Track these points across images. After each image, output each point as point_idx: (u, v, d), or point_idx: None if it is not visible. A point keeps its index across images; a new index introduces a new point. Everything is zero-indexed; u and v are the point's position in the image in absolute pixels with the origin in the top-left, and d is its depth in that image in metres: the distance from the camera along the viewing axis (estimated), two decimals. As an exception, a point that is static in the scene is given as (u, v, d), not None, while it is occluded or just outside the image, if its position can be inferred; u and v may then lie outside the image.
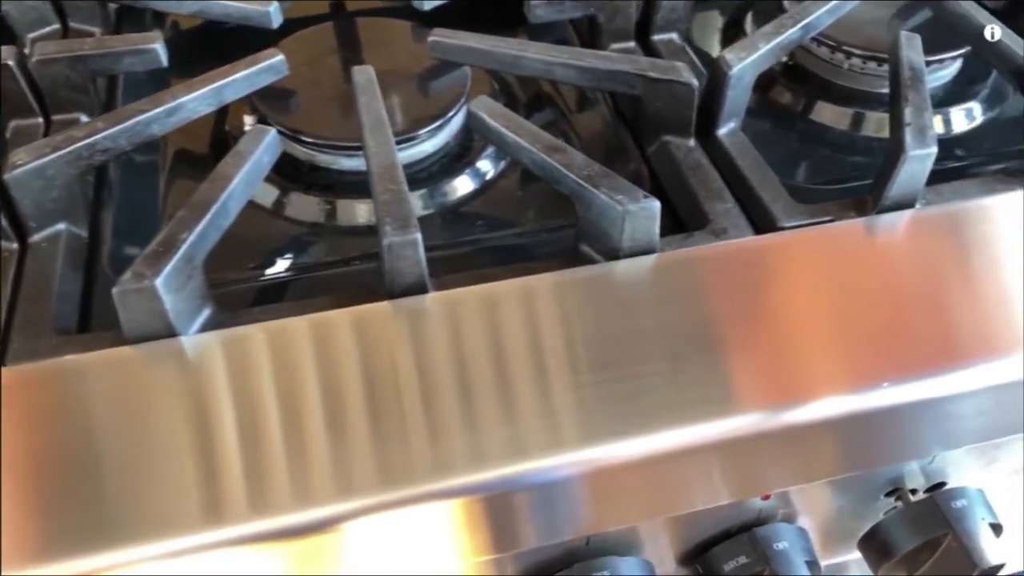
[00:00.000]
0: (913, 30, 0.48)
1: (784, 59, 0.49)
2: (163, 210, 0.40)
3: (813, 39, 0.47)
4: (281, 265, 0.40)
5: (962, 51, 0.46)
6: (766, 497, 0.40)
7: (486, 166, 0.43)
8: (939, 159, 0.46)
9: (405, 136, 0.41)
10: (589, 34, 0.46)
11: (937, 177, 0.41)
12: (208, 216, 0.31)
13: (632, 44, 0.45)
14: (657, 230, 0.33)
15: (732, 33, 0.53)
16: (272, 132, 0.35)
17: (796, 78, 0.48)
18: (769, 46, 0.39)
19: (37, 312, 0.33)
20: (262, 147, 0.34)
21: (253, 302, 0.38)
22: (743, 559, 0.40)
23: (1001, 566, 0.40)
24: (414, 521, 0.29)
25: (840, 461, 0.37)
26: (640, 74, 0.38)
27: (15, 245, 0.36)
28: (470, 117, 0.36)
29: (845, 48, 0.46)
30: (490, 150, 0.43)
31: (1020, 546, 0.56)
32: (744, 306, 0.32)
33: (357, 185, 0.40)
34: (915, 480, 0.44)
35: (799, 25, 0.40)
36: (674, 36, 0.45)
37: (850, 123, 0.47)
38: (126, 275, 0.29)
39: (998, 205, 0.37)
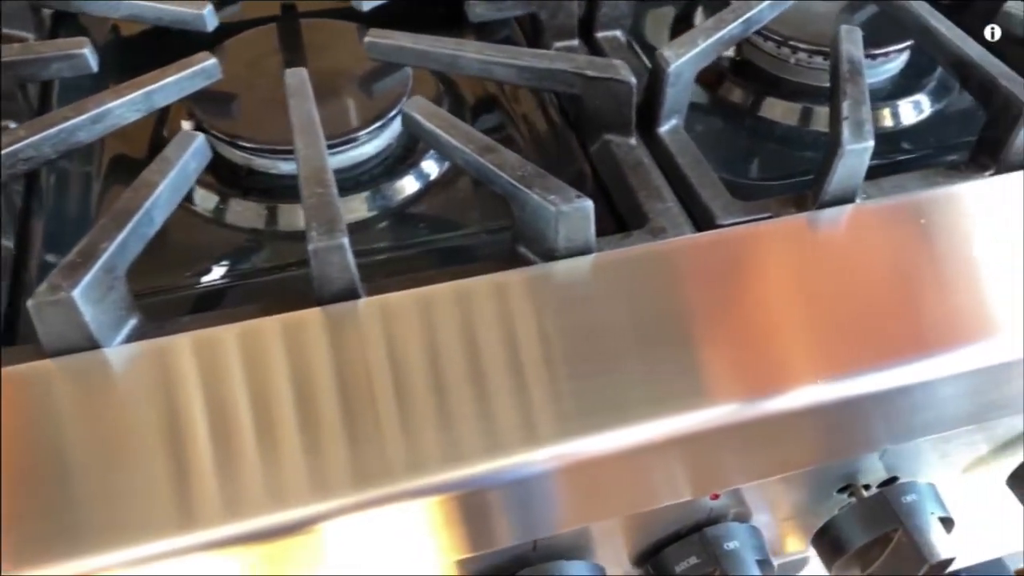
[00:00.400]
0: (861, 24, 0.49)
1: (732, 55, 0.49)
2: (96, 218, 0.40)
3: (759, 34, 0.47)
4: (219, 272, 0.39)
5: (908, 44, 0.46)
6: (715, 497, 0.40)
7: (430, 167, 0.42)
8: (888, 152, 0.47)
9: (344, 138, 0.40)
10: (532, 32, 0.45)
11: (886, 170, 0.41)
12: (130, 225, 0.31)
13: (576, 42, 0.44)
14: (592, 230, 0.33)
15: (682, 29, 0.52)
16: (200, 137, 0.34)
17: (745, 74, 0.48)
18: (709, 42, 0.39)
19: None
20: (189, 153, 0.33)
21: (192, 310, 0.37)
22: (693, 560, 0.40)
23: (951, 560, 0.40)
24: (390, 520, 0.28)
25: (801, 454, 0.37)
26: (578, 73, 0.37)
27: (-63, 257, 0.35)
28: (404, 118, 0.36)
29: (792, 43, 0.46)
30: (434, 151, 0.42)
31: (976, 539, 0.56)
32: (674, 306, 0.32)
33: (296, 189, 0.40)
34: (868, 475, 0.43)
35: (740, 20, 0.40)
36: (618, 33, 0.45)
37: (799, 118, 0.47)
38: (42, 287, 0.29)
39: (938, 199, 0.37)
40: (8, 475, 0.27)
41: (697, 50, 0.38)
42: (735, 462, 0.35)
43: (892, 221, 0.35)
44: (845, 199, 0.36)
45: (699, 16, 0.53)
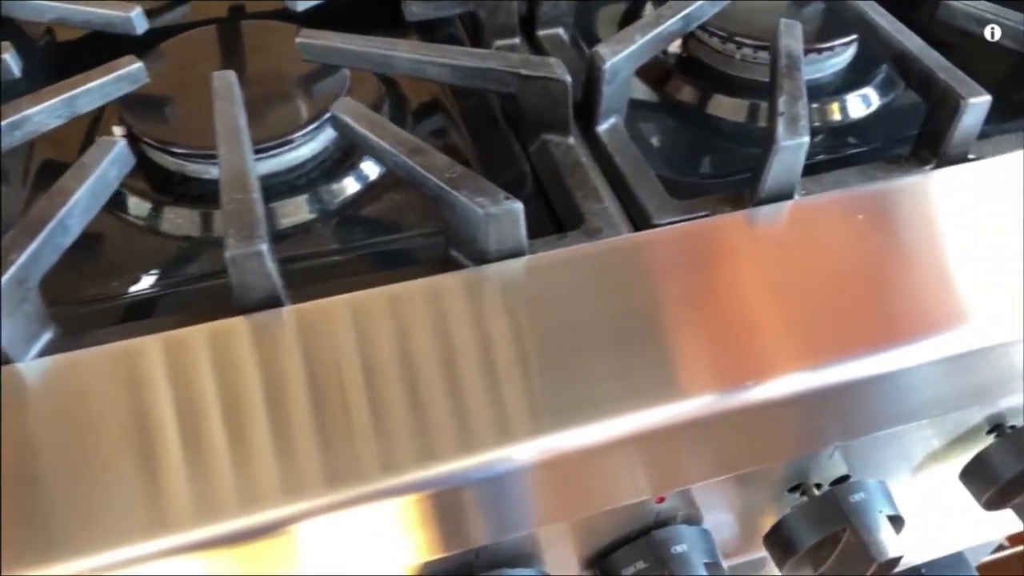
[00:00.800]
0: (810, 18, 0.48)
1: (679, 51, 0.48)
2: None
3: (705, 30, 0.46)
4: (152, 281, 0.38)
5: (853, 38, 0.46)
6: (660, 500, 0.39)
7: (370, 169, 0.42)
8: (837, 147, 0.46)
9: (278, 141, 0.39)
10: (473, 31, 0.44)
11: (836, 164, 0.41)
12: (43, 235, 0.30)
13: (517, 40, 0.44)
14: (523, 232, 0.32)
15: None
16: (120, 143, 0.33)
17: (691, 71, 0.48)
18: (646, 38, 0.38)
19: None
20: (108, 160, 0.33)
21: (124, 319, 0.37)
22: (641, 564, 0.39)
23: (900, 558, 0.39)
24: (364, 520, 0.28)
25: (764, 449, 0.36)
26: (512, 72, 0.37)
27: None
28: (333, 120, 0.35)
29: (737, 39, 0.46)
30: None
31: (936, 534, 0.56)
32: (604, 309, 0.31)
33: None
34: (820, 474, 0.43)
35: (679, 16, 0.40)
36: (560, 31, 0.44)
37: (746, 115, 0.46)
38: (-54, 300, 0.28)
39: (877, 194, 0.36)
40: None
41: (634, 47, 0.38)
42: (695, 460, 0.35)
43: (830, 217, 0.35)
44: (783, 196, 0.35)
45: (648, 12, 0.52)
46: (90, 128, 0.44)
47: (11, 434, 0.27)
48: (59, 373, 0.29)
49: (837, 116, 0.47)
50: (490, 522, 0.32)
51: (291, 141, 0.40)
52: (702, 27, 0.46)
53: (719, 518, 0.43)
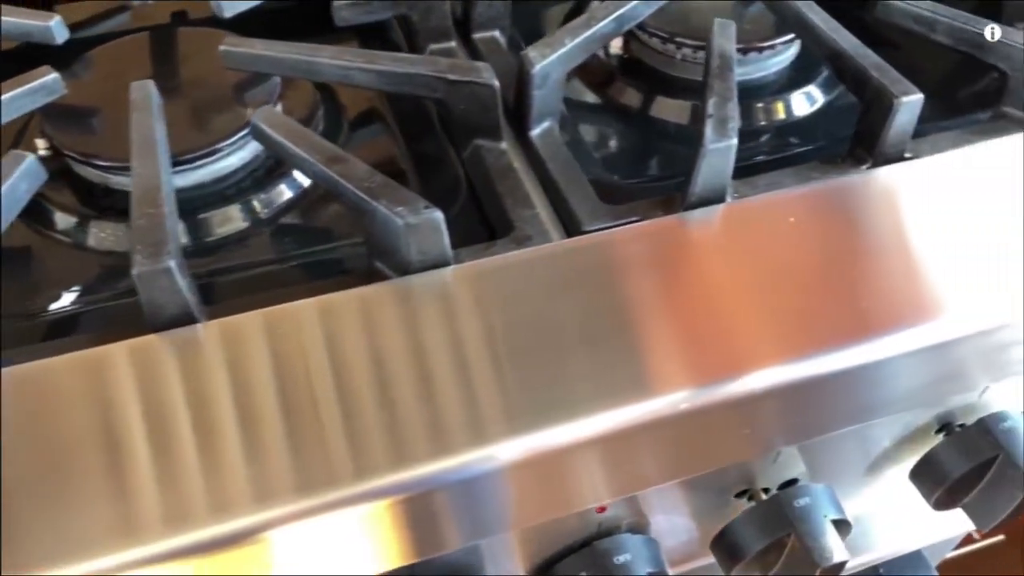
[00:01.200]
0: (753, 17, 0.48)
1: (620, 53, 0.48)
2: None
3: (645, 31, 0.46)
4: (76, 297, 0.37)
5: (793, 36, 0.45)
6: (601, 510, 0.38)
7: (303, 177, 0.41)
8: (782, 146, 0.46)
9: (204, 151, 0.38)
10: (408, 35, 0.43)
11: (781, 163, 0.40)
12: (-56, 253, 0.29)
13: (452, 44, 0.43)
14: (446, 241, 0.31)
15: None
16: (30, 158, 0.32)
17: (633, 73, 0.47)
18: (577, 41, 0.38)
19: None
20: (18, 174, 0.32)
21: (47, 336, 0.36)
22: (584, 575, 0.39)
23: (844, 563, 0.39)
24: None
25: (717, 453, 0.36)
26: (439, 76, 0.36)
27: None
28: (252, 129, 0.34)
29: (677, 39, 0.45)
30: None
31: (890, 536, 0.55)
32: (531, 319, 0.31)
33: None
34: (767, 478, 0.43)
35: (611, 17, 0.39)
36: (496, 34, 0.44)
37: (689, 116, 0.46)
38: None
39: (811, 195, 0.36)
40: None
41: (564, 50, 0.37)
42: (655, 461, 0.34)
43: (761, 220, 0.34)
44: (714, 199, 0.35)
45: (591, 13, 0.52)
46: (15, 141, 0.42)
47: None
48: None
49: (781, 115, 0.46)
50: (465, 525, 0.31)
51: (218, 151, 0.39)
52: (642, 28, 0.46)
53: (667, 525, 0.43)
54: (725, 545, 0.42)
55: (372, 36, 0.48)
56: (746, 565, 0.41)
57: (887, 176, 0.36)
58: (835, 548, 0.39)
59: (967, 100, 0.46)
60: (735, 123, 0.34)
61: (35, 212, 0.39)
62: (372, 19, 0.41)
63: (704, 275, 0.32)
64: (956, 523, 0.49)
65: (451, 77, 0.36)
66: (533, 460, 0.29)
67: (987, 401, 0.44)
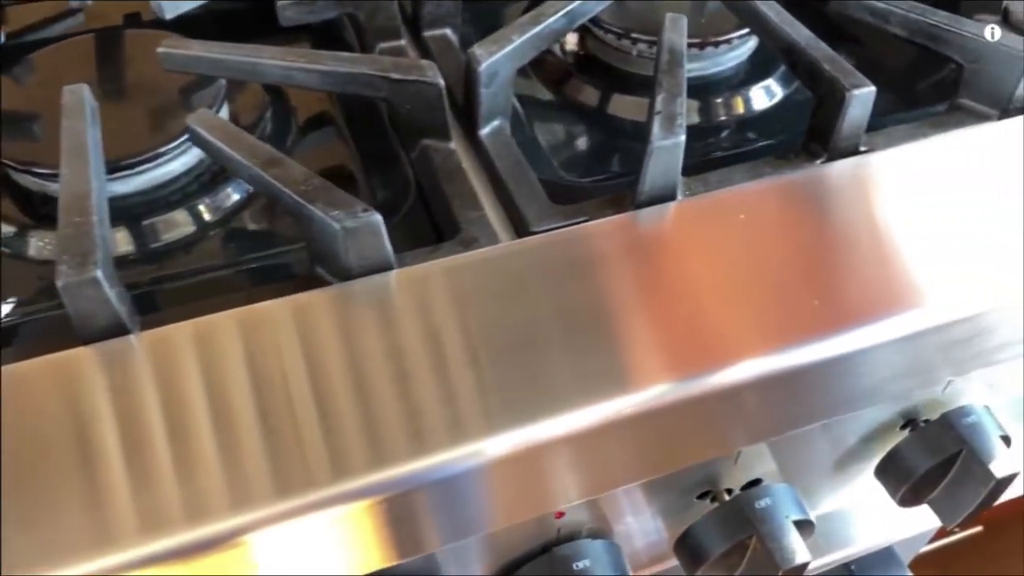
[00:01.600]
0: (710, 11, 0.47)
1: (576, 49, 0.47)
2: None
3: (600, 27, 0.45)
4: (8, 309, 0.36)
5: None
6: (559, 515, 0.38)
7: (251, 182, 0.40)
8: (742, 141, 0.45)
9: (144, 157, 0.37)
10: (357, 35, 0.43)
11: (741, 158, 0.39)
12: None
13: (402, 43, 0.42)
14: (386, 245, 0.31)
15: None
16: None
17: (590, 69, 0.46)
18: (525, 37, 0.37)
19: None
20: (-59, 183, 0.30)
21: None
22: (543, 582, 0.38)
23: (806, 564, 0.38)
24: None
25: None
26: (383, 76, 0.35)
27: None
28: (189, 132, 0.33)
29: (632, 35, 0.44)
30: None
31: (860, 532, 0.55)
32: (479, 324, 0.30)
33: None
34: (730, 479, 0.42)
35: (561, 13, 0.38)
36: (447, 32, 0.43)
37: (646, 113, 0.45)
38: None
39: (763, 191, 0.35)
40: None
41: (511, 47, 0.36)
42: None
43: (711, 217, 0.34)
44: (665, 197, 0.34)
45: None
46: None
47: None
48: None
49: (740, 110, 0.46)
50: (445, 525, 0.31)
51: (161, 155, 0.38)
52: (597, 24, 0.45)
53: (630, 529, 0.42)
54: (688, 547, 0.41)
55: (324, 36, 0.47)
56: (709, 567, 0.40)
57: (840, 170, 0.36)
58: (797, 549, 0.38)
59: (927, 92, 0.45)
60: (683, 120, 0.33)
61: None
62: (316, 18, 0.40)
63: (650, 275, 0.32)
64: (927, 518, 0.48)
65: (395, 76, 0.35)
66: (494, 465, 0.28)
67: (951, 395, 0.44)
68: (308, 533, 0.27)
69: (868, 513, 0.56)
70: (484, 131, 0.37)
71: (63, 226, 0.29)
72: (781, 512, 0.39)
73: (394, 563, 0.31)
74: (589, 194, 0.36)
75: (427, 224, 0.37)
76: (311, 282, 0.32)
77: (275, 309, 0.30)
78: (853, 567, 0.56)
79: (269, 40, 0.48)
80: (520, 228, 0.34)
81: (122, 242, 0.38)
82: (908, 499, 0.44)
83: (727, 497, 0.41)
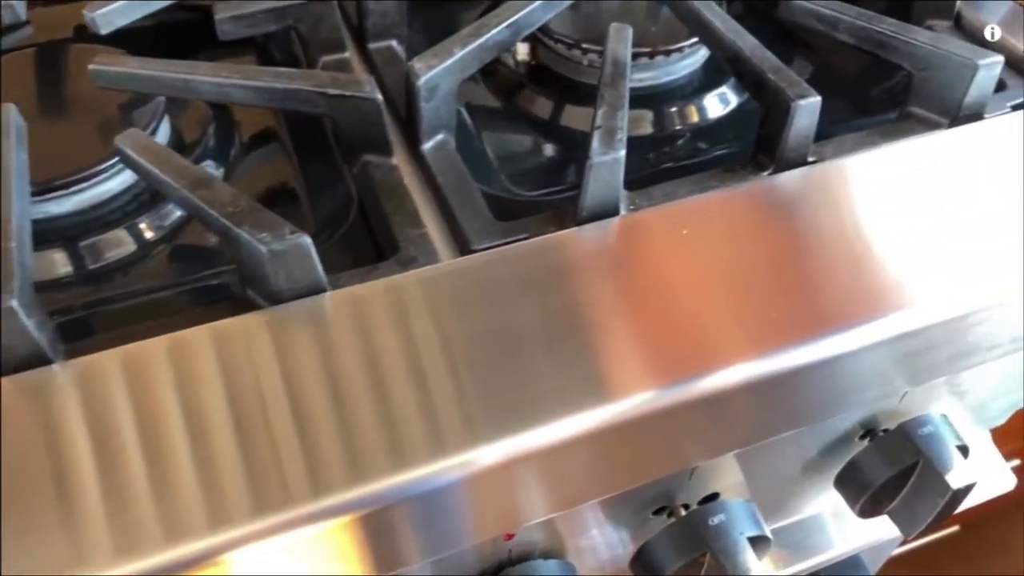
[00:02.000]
0: (664, 19, 0.46)
1: (528, 59, 0.46)
2: None
3: (551, 37, 0.44)
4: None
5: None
6: (509, 537, 0.37)
7: (193, 200, 0.39)
8: (694, 151, 0.45)
9: (79, 176, 0.37)
10: (302, 48, 0.42)
11: (693, 168, 0.39)
12: None
13: (346, 55, 0.41)
14: (317, 267, 0.30)
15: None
16: None
17: (541, 80, 0.46)
18: (467, 50, 0.36)
19: None
20: None
21: None
22: (493, 605, 0.37)
23: (760, 580, 0.38)
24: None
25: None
26: (319, 91, 0.34)
27: None
28: (117, 153, 0.32)
29: (583, 45, 0.44)
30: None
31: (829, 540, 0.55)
32: (411, 346, 0.29)
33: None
34: (687, 494, 0.41)
35: (505, 24, 0.37)
36: (392, 43, 0.42)
37: (595, 124, 0.44)
38: None
39: (706, 204, 0.34)
40: None
41: (452, 60, 0.35)
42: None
43: (654, 233, 0.33)
44: (607, 212, 0.33)
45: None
46: None
47: None
48: None
49: (695, 119, 0.45)
50: (424, 539, 0.30)
51: (97, 174, 0.37)
52: (548, 34, 0.44)
53: (584, 547, 0.41)
54: (643, 565, 0.41)
55: (270, 49, 0.46)
56: (666, 584, 0.40)
57: (787, 182, 0.35)
58: (752, 566, 0.38)
59: (880, 100, 0.45)
60: (623, 134, 0.32)
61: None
62: (256, 32, 0.40)
63: (587, 294, 0.31)
64: (892, 527, 0.48)
65: (331, 92, 0.34)
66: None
67: (909, 405, 0.43)
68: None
69: (834, 522, 0.56)
70: (427, 146, 0.36)
71: (-21, 253, 0.28)
72: (735, 529, 0.38)
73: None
74: (538, 208, 0.36)
75: (369, 242, 0.36)
76: (249, 305, 0.31)
77: (201, 335, 0.29)
78: (821, 574, 0.55)
79: (220, 53, 0.47)
80: (462, 246, 0.34)
81: (59, 264, 0.37)
82: (867, 510, 0.44)
83: (683, 512, 0.41)
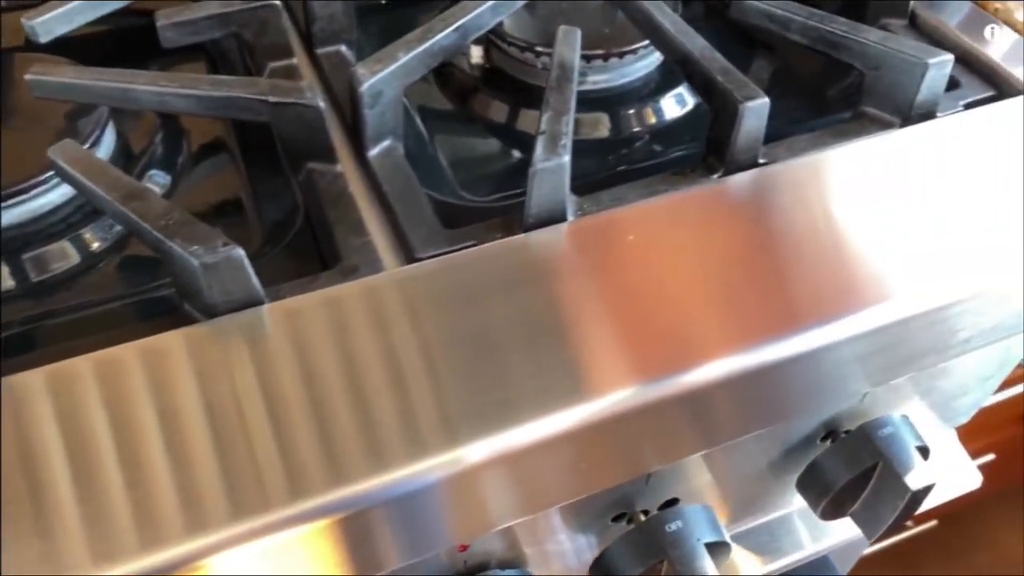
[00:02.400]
0: (618, 21, 0.46)
1: (482, 62, 0.46)
2: None
3: (504, 40, 0.44)
4: None
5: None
6: (463, 548, 0.36)
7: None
8: (652, 153, 0.44)
9: (20, 187, 0.36)
10: (249, 54, 0.41)
11: (652, 170, 0.38)
12: None
13: (293, 61, 0.40)
14: (252, 280, 0.29)
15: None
16: None
17: (496, 83, 0.45)
18: (412, 54, 0.36)
19: None
20: None
21: None
22: (448, 617, 0.37)
23: (718, 588, 0.38)
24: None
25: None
26: (260, 99, 0.34)
27: None
28: (52, 165, 0.32)
29: (536, 48, 0.43)
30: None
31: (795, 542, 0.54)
32: (350, 361, 0.29)
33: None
34: (647, 500, 0.41)
35: (452, 28, 0.37)
36: (341, 48, 0.41)
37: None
38: None
39: (655, 208, 0.34)
40: None
41: (397, 65, 0.35)
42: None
43: (601, 239, 0.33)
44: (554, 219, 0.33)
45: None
46: None
47: None
48: None
49: (652, 120, 0.45)
50: (404, 541, 0.30)
51: (37, 186, 0.36)
52: (501, 37, 0.44)
53: (542, 555, 0.41)
54: (602, 572, 0.40)
55: (222, 56, 0.45)
56: (625, 591, 0.39)
57: (736, 185, 0.35)
58: (709, 572, 0.37)
59: (837, 100, 0.44)
60: (567, 140, 0.32)
61: None
62: (200, 39, 0.39)
63: (533, 301, 0.31)
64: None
65: (272, 99, 0.34)
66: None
67: (868, 406, 0.43)
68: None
69: (803, 522, 0.55)
70: (372, 152, 0.36)
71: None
72: (692, 535, 0.38)
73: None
74: (489, 214, 0.35)
75: (315, 252, 0.35)
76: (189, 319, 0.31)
77: (131, 352, 0.28)
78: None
79: (174, 60, 0.47)
80: (407, 254, 0.33)
81: (2, 278, 0.37)
82: (829, 512, 0.44)
83: (642, 518, 0.40)
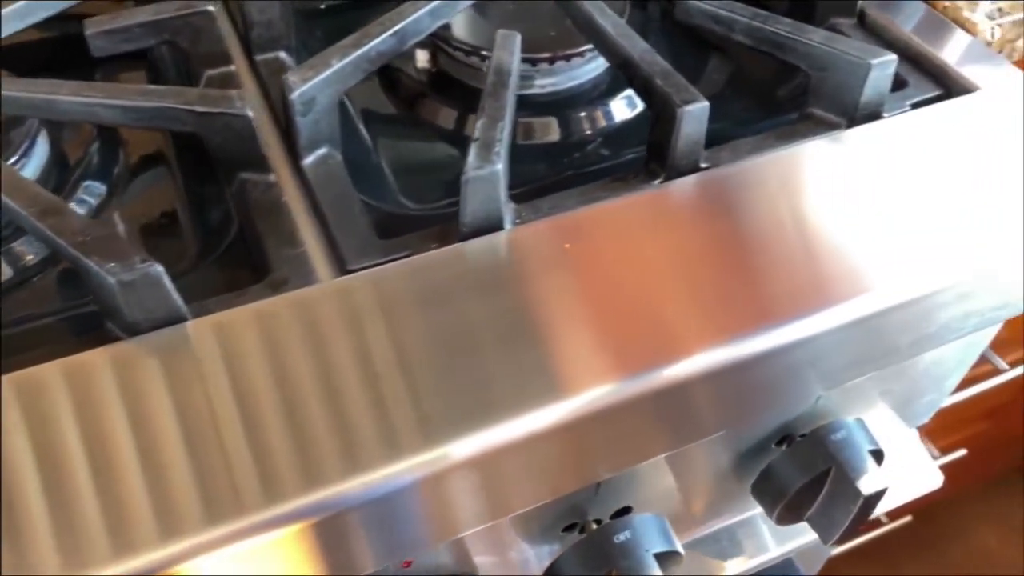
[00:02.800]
0: (566, 23, 0.45)
1: (428, 66, 0.45)
2: None
3: (449, 44, 0.43)
4: None
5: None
6: (407, 564, 0.36)
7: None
8: (602, 157, 0.44)
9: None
10: (185, 62, 0.40)
11: (601, 174, 0.38)
12: None
13: (232, 68, 0.39)
14: (172, 296, 0.28)
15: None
16: None
17: (443, 88, 0.44)
18: (346, 60, 0.35)
19: None
20: None
21: None
22: (394, 635, 0.36)
23: (668, 598, 0.37)
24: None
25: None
26: (187, 109, 0.33)
27: None
28: (-31, 180, 0.31)
29: (482, 52, 0.42)
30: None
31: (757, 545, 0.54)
32: (271, 376, 0.28)
33: None
34: (599, 509, 0.41)
35: (388, 32, 0.36)
36: (280, 54, 0.40)
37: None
38: None
39: (594, 215, 0.33)
40: None
41: (330, 71, 0.34)
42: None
43: (537, 249, 0.32)
44: (491, 227, 0.32)
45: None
46: None
47: None
48: None
49: (602, 123, 0.44)
50: (381, 543, 0.30)
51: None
52: (446, 41, 0.43)
53: (493, 567, 0.40)
54: (553, 584, 0.39)
55: (163, 64, 0.44)
56: (576, 603, 0.39)
57: (676, 190, 0.35)
58: (658, 583, 0.37)
59: (787, 101, 0.44)
60: (501, 147, 0.31)
61: None
62: (133, 48, 0.38)
63: (467, 314, 0.30)
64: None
65: (199, 109, 0.33)
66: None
67: (822, 410, 0.43)
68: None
69: (767, 525, 0.55)
70: (307, 160, 0.35)
71: None
72: (641, 546, 0.37)
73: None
74: (429, 223, 0.35)
75: (248, 264, 0.34)
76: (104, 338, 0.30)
77: (50, 372, 0.28)
78: (754, 579, 0.55)
79: (117, 68, 0.45)
80: (339, 265, 0.32)
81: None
82: (785, 517, 0.43)
83: (594, 527, 0.40)
